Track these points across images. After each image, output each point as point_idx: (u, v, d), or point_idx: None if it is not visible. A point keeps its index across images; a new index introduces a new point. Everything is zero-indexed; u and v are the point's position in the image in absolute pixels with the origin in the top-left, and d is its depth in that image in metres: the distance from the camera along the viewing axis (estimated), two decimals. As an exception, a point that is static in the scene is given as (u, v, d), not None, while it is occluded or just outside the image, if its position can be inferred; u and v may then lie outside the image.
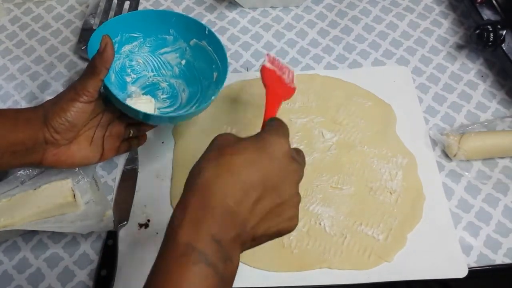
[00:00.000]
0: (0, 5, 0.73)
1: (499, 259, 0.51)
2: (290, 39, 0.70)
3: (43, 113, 0.46)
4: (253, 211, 0.35)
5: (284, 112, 0.61)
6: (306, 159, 0.57)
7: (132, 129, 0.55)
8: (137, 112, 0.50)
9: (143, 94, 0.58)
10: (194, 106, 0.57)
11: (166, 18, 0.57)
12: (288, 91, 0.52)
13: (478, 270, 0.51)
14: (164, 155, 0.59)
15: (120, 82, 0.58)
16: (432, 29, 0.70)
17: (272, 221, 0.36)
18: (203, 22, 0.71)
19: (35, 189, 0.52)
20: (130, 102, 0.52)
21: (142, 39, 0.58)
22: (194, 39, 0.58)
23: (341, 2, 0.73)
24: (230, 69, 0.67)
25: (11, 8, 0.74)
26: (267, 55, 0.52)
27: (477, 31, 0.61)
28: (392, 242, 0.52)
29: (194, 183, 0.34)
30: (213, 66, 0.57)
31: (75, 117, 0.46)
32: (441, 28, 0.70)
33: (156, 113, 0.56)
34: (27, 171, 0.54)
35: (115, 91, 0.50)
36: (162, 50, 0.60)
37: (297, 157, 0.39)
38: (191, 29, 0.58)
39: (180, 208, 0.34)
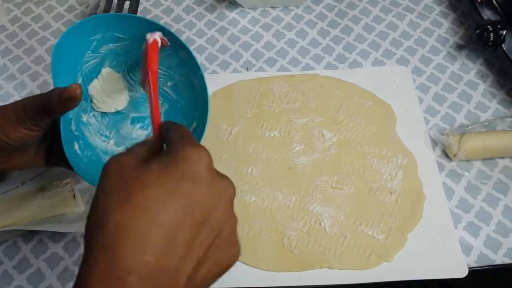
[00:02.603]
0: (0, 5, 0.73)
1: (499, 259, 0.51)
2: (290, 39, 0.70)
3: None
4: (185, 259, 0.26)
5: (284, 112, 0.61)
6: (306, 159, 0.58)
7: None
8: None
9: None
10: None
11: (164, 31, 0.46)
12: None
13: (478, 270, 0.51)
14: (164, 155, 0.59)
15: (84, 85, 0.48)
16: (432, 29, 0.70)
17: (211, 260, 0.28)
18: (203, 22, 0.72)
19: (35, 189, 0.52)
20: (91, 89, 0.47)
21: (127, 42, 0.47)
22: (187, 69, 0.48)
23: (341, 2, 0.73)
24: (230, 69, 0.67)
25: (11, 8, 0.74)
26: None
27: (477, 31, 0.61)
28: (392, 242, 0.52)
29: (95, 240, 0.25)
30: (196, 114, 0.49)
31: (19, 141, 0.39)
32: (441, 28, 0.70)
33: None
34: (27, 172, 0.54)
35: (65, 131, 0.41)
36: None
37: (221, 175, 0.30)
38: (187, 61, 0.48)
39: (80, 282, 0.25)
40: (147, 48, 0.42)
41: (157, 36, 0.43)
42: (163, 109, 0.51)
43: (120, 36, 0.47)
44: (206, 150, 0.29)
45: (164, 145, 0.33)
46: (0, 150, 0.40)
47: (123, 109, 0.51)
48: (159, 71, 0.48)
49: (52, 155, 0.44)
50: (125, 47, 0.48)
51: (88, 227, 0.27)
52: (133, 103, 0.51)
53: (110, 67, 0.49)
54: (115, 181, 0.27)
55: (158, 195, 0.26)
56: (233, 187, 0.30)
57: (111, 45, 0.48)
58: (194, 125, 0.49)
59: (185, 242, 0.26)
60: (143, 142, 0.32)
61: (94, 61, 0.48)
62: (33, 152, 0.43)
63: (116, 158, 0.29)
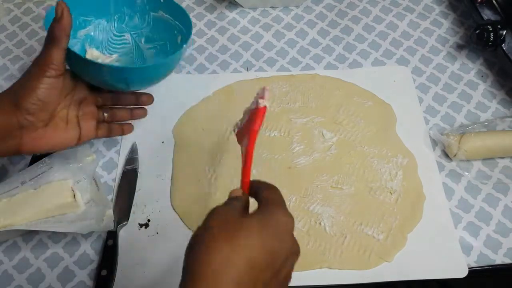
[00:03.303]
0: (0, 5, 0.73)
1: (499, 259, 0.51)
2: (290, 39, 0.70)
3: (13, 96, 0.45)
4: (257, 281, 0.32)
5: (284, 112, 0.61)
6: (306, 159, 0.58)
7: (107, 112, 0.55)
8: (100, 67, 0.48)
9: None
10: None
11: None
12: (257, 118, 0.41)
13: (478, 270, 0.51)
14: (164, 155, 0.59)
15: None
16: (432, 29, 0.70)
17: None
18: (203, 22, 0.72)
19: (35, 189, 0.52)
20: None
21: (95, 21, 0.58)
22: (152, 13, 0.59)
23: (341, 2, 0.73)
24: (230, 69, 0.67)
25: (11, 8, 0.74)
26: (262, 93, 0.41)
27: (477, 31, 0.61)
28: (392, 242, 0.52)
29: (199, 270, 0.31)
30: (175, 32, 0.57)
31: (46, 94, 0.45)
32: (441, 28, 0.70)
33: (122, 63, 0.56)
34: (27, 172, 0.54)
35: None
36: (118, 29, 0.60)
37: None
38: (145, 2, 0.58)
39: None
40: (256, 111, 0.41)
41: (266, 102, 0.42)
42: (150, 53, 0.61)
43: (86, 19, 0.57)
44: (291, 216, 0.36)
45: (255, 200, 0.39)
46: (37, 113, 0.45)
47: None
48: (134, 33, 0.61)
49: (82, 130, 0.50)
50: (94, 29, 0.59)
51: (192, 254, 0.33)
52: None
53: (90, 47, 0.59)
54: (222, 227, 0.33)
55: (256, 244, 0.33)
56: (299, 252, 0.38)
57: (83, 30, 0.58)
58: (179, 38, 0.57)
59: (263, 282, 0.33)
60: (237, 198, 0.38)
61: (76, 47, 0.57)
62: (64, 123, 0.49)
63: (220, 208, 0.36)
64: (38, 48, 0.70)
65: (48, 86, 0.45)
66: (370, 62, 0.67)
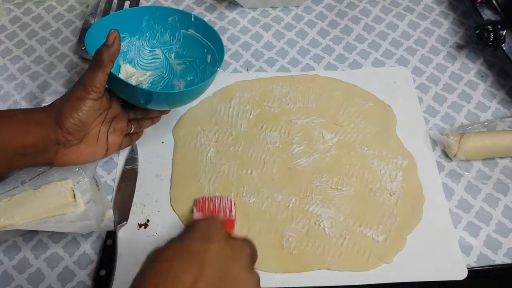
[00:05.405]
0: (0, 5, 0.73)
1: (499, 259, 0.51)
2: (290, 39, 0.70)
3: (55, 114, 0.46)
4: None
5: (284, 112, 0.61)
6: (306, 160, 0.58)
7: (134, 124, 0.57)
8: (138, 91, 0.51)
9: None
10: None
11: (150, 13, 0.59)
12: (228, 226, 0.45)
13: (478, 270, 0.51)
14: (164, 155, 0.59)
15: None
16: (432, 29, 0.70)
17: None
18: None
19: (35, 189, 0.52)
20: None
21: (129, 39, 0.60)
22: (182, 30, 0.60)
23: (341, 2, 0.73)
24: (230, 69, 0.67)
25: (11, 8, 0.74)
26: (196, 202, 0.52)
27: (477, 31, 0.61)
28: (391, 244, 0.51)
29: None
30: (205, 50, 0.59)
31: (86, 115, 0.47)
32: (441, 28, 0.70)
33: (158, 89, 0.59)
34: (27, 171, 0.54)
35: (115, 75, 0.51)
36: (149, 44, 0.62)
37: (237, 237, 0.35)
38: (176, 20, 0.60)
39: None
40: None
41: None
42: (175, 77, 0.62)
43: (121, 35, 0.54)
44: (218, 220, 0.35)
45: None
46: (76, 132, 0.47)
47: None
48: (165, 49, 0.62)
49: (109, 145, 0.53)
50: (127, 44, 0.61)
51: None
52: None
53: (124, 62, 0.61)
54: (150, 258, 0.33)
55: (175, 254, 0.32)
56: (249, 247, 0.35)
57: None
58: (209, 57, 0.59)
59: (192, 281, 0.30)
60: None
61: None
62: (95, 139, 0.51)
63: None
64: (38, 48, 0.70)
65: (89, 108, 0.47)
66: (370, 62, 0.67)
